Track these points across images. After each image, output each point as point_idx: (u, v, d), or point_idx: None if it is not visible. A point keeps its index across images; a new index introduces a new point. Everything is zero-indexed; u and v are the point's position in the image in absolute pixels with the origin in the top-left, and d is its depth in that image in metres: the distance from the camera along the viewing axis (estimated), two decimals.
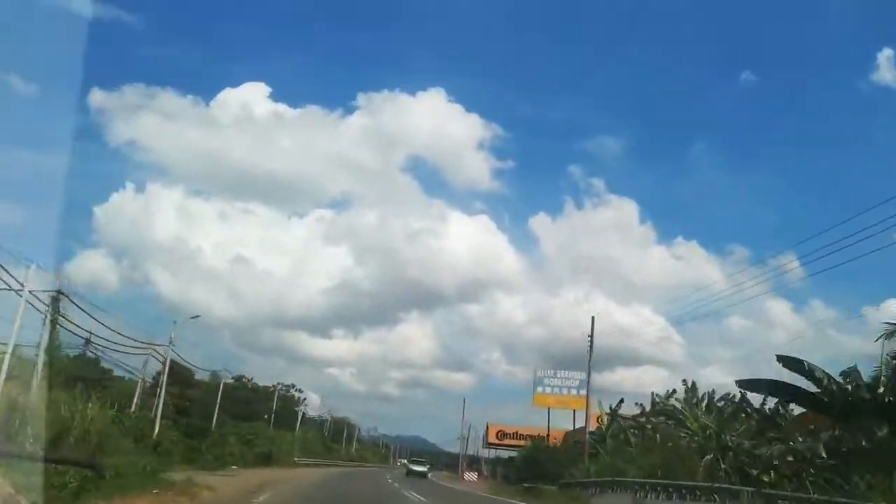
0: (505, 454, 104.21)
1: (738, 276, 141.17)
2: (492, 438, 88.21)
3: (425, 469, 59.52)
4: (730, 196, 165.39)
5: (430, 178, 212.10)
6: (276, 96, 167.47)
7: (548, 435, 60.54)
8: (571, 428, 57.67)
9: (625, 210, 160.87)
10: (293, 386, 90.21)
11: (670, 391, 31.74)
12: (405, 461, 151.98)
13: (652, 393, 32.43)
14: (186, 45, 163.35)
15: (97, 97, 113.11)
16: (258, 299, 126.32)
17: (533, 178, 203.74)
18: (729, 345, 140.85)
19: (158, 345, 33.09)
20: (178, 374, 50.96)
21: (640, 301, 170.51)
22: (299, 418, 64.89)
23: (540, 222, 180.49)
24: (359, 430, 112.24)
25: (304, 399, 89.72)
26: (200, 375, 61.95)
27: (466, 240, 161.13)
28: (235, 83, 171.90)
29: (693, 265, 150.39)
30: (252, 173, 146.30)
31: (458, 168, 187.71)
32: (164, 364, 34.17)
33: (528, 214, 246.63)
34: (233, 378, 66.75)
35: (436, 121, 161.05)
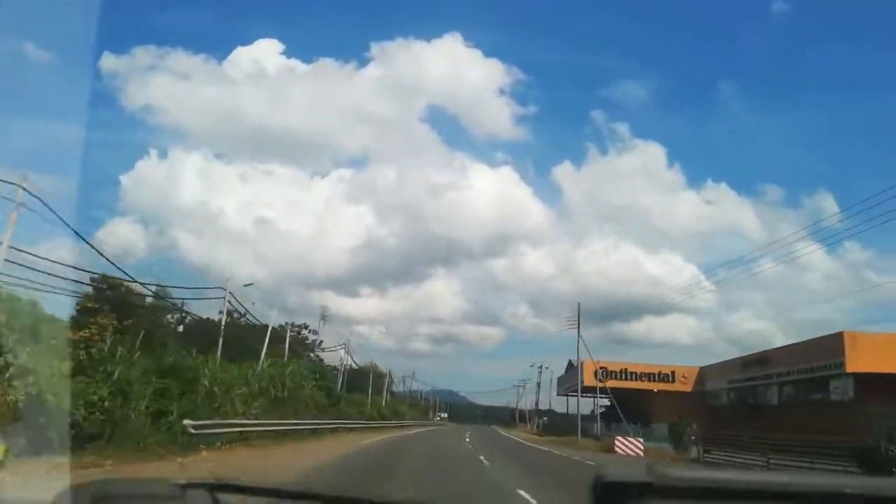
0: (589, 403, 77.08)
1: (770, 219, 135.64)
2: (589, 380, 58.84)
3: None
4: (761, 136, 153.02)
5: (450, 127, 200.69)
6: (289, 52, 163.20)
7: None
8: None
9: (651, 154, 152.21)
10: (305, 326, 63.62)
11: None
12: (444, 415, 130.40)
13: None
14: (195, 5, 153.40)
15: (109, 61, 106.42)
16: (284, 260, 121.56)
17: (557, 124, 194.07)
18: (760, 290, 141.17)
19: None
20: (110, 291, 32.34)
21: (671, 248, 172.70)
22: (265, 347, 35.73)
23: (564, 170, 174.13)
24: (391, 378, 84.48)
25: (320, 342, 62.77)
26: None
27: (490, 192, 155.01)
28: (247, 41, 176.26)
29: (724, 209, 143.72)
30: (270, 132, 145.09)
31: (480, 116, 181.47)
32: None
33: (552, 162, 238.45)
34: (222, 313, 38.99)
35: (454, 67, 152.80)
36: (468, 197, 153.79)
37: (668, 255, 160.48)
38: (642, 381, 60.71)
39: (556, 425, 79.52)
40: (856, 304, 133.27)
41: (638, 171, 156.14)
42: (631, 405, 59.26)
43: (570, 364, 74.51)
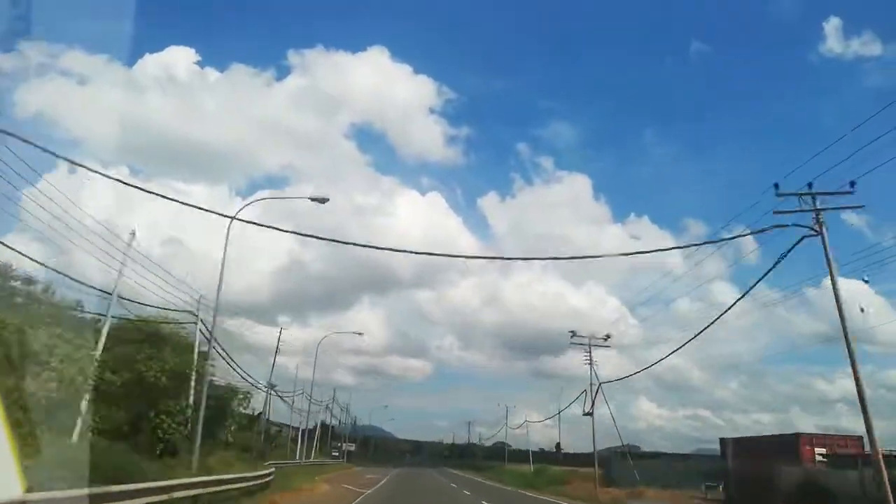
0: None
1: (691, 257, 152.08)
2: None
3: None
4: (682, 174, 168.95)
5: (377, 145, 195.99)
6: (203, 62, 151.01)
7: None
8: None
9: (578, 187, 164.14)
10: None
11: None
12: (350, 447, 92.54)
13: None
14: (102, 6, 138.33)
15: None
16: (196, 285, 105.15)
17: (487, 148, 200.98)
18: (678, 325, 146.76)
19: None
20: None
21: (596, 281, 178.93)
22: None
23: (490, 200, 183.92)
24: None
25: None
26: None
27: (418, 215, 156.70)
28: (157, 48, 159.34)
29: (647, 243, 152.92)
30: (182, 146, 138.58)
31: (409, 134, 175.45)
32: None
33: (482, 187, 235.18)
34: None
35: (381, 81, 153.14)
36: (394, 221, 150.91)
37: (593, 286, 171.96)
38: None
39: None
40: (769, 339, 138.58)
41: (565, 203, 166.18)
42: None
43: None
